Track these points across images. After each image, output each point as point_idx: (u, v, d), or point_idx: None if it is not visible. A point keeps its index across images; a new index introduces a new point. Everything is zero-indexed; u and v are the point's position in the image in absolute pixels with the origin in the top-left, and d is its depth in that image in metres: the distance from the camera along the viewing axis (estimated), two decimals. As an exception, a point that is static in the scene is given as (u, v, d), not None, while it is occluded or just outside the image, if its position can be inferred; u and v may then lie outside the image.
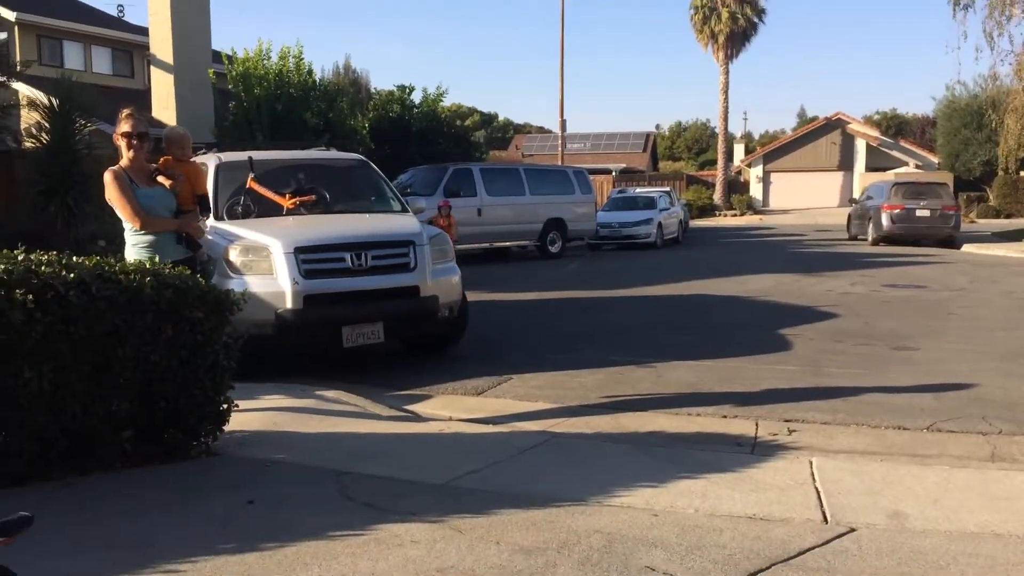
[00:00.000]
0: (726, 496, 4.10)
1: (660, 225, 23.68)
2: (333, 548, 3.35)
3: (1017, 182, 36.19)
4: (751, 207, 45.12)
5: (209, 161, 8.50)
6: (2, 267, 3.96)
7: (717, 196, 44.60)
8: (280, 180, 8.38)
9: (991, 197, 37.92)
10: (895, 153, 46.44)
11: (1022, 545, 3.49)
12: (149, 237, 5.27)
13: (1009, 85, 26.33)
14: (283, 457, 4.71)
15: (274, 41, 35.59)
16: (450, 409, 6.35)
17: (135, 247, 5.25)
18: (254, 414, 5.53)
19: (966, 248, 21.56)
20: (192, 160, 6.20)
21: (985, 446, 5.31)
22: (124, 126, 5.22)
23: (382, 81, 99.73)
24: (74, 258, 4.38)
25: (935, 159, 43.61)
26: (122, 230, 5.34)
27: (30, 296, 3.91)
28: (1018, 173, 33.42)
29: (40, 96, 16.34)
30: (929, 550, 3.42)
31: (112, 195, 5.18)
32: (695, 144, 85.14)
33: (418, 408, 6.41)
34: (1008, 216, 35.55)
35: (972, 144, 38.22)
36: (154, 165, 5.57)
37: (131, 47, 24.96)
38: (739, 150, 53.04)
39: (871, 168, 44.00)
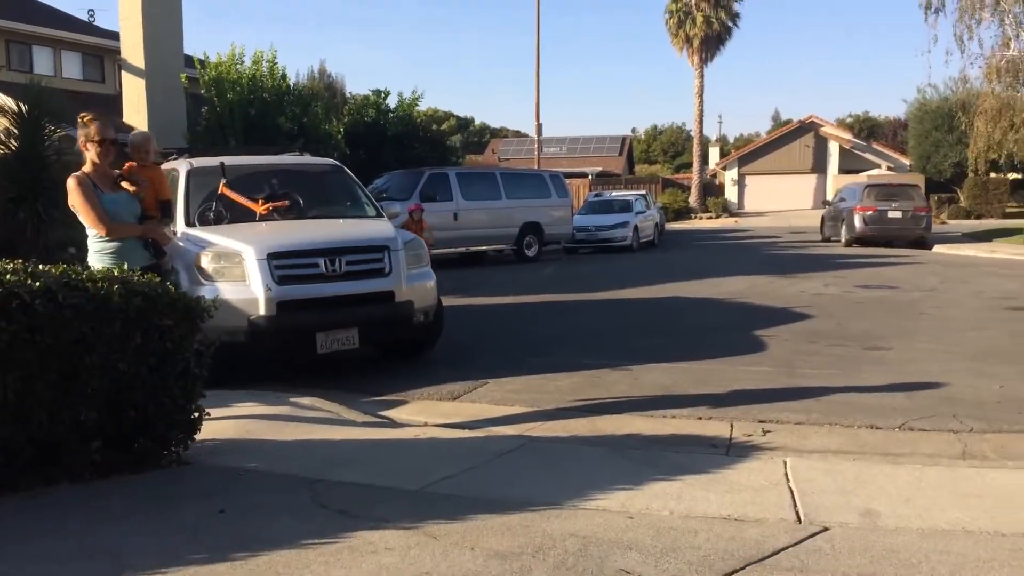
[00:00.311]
0: (701, 497, 4.10)
1: (636, 228, 23.78)
2: (306, 557, 3.31)
3: (987, 183, 36.71)
4: (726, 210, 45.44)
5: (180, 166, 8.43)
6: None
7: (693, 199, 44.87)
8: (253, 185, 8.31)
9: (962, 198, 38.44)
10: (867, 155, 46.96)
11: (993, 542, 3.52)
12: (114, 243, 5.21)
13: (979, 88, 26.70)
14: (256, 465, 4.66)
15: (247, 45, 35.46)
16: (425, 414, 6.32)
17: (99, 253, 5.19)
18: (227, 422, 5.47)
19: (937, 249, 21.83)
20: (156, 165, 6.14)
21: (956, 444, 5.37)
22: (90, 130, 5.16)
23: (357, 86, 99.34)
24: (40, 266, 4.31)
25: (907, 161, 44.13)
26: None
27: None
28: (988, 175, 33.92)
29: (8, 102, 16.09)
30: (901, 548, 3.44)
31: (76, 201, 5.12)
32: (671, 147, 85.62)
33: (393, 414, 6.37)
34: (978, 217, 36.04)
35: (943, 146, 38.70)
36: (117, 171, 5.51)
37: (102, 52, 24.74)
38: (714, 153, 53.40)
39: (844, 170, 44.45)
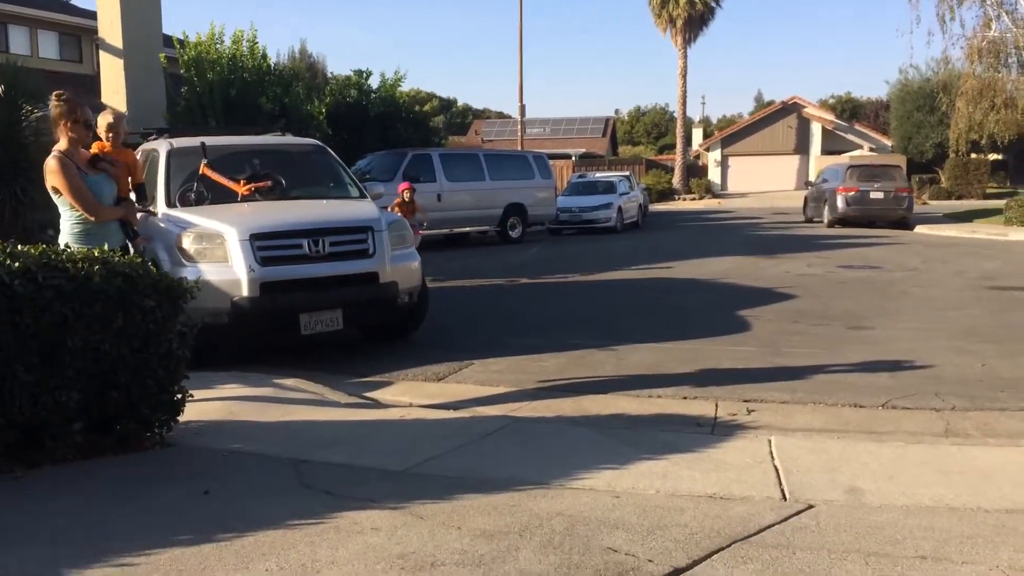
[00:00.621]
0: (687, 476, 4.12)
1: (620, 209, 23.77)
2: (291, 537, 3.30)
3: (968, 164, 36.92)
4: (710, 191, 45.49)
5: (160, 147, 8.33)
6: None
7: (676, 180, 44.88)
8: (234, 166, 8.23)
9: (943, 179, 38.67)
10: (850, 136, 47.09)
11: (976, 518, 3.56)
12: (92, 226, 5.14)
13: (960, 68, 26.85)
14: (240, 446, 4.63)
15: (227, 25, 35.02)
16: (411, 395, 6.30)
17: (78, 235, 5.13)
18: (210, 403, 5.44)
19: (919, 229, 21.98)
20: (128, 147, 6.07)
21: (939, 422, 5.41)
22: (65, 109, 5.07)
23: (339, 66, 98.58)
24: (20, 247, 4.24)
25: (888, 142, 44.30)
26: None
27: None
28: (969, 155, 34.09)
29: (-17, 82, 15.83)
30: (886, 525, 3.47)
31: (60, 183, 5.03)
32: (654, 128, 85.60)
33: (378, 395, 6.35)
34: (959, 197, 36.30)
35: (924, 127, 38.89)
36: (90, 152, 5.43)
37: (79, 31, 24.38)
38: (697, 134, 53.43)
39: (827, 151, 44.56)
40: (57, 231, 5.31)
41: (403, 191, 12.03)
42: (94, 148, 5.54)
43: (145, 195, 7.13)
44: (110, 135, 5.64)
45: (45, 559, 3.14)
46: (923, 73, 37.90)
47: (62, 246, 4.86)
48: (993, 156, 37.61)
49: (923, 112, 38.32)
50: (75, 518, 3.56)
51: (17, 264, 4.04)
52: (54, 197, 5.16)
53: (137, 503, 3.75)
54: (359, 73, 25.24)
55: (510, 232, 20.66)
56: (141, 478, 4.11)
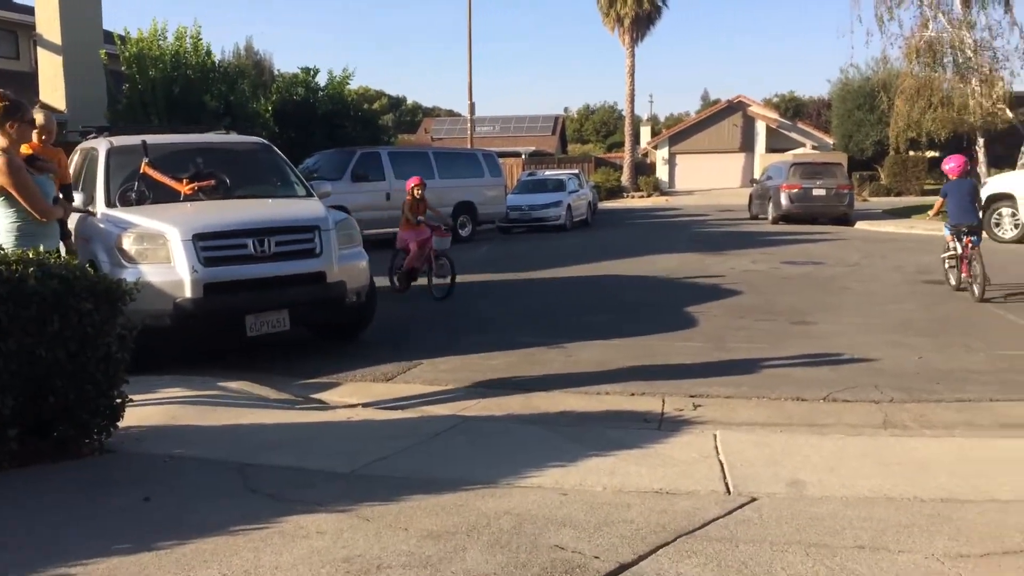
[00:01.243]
0: (634, 472, 4.16)
1: (569, 207, 23.87)
2: (235, 543, 3.24)
3: (906, 161, 37.85)
4: (657, 188, 45.93)
5: (100, 145, 8.15)
6: None
7: (625, 178, 45.23)
8: (177, 165, 8.08)
9: (882, 176, 39.58)
10: (793, 135, 47.93)
11: (912, 507, 3.65)
12: (35, 226, 5.01)
13: (899, 68, 27.53)
14: (182, 451, 4.55)
15: (170, 21, 34.34)
16: (359, 396, 6.25)
17: (17, 235, 4.98)
18: (152, 408, 5.33)
19: (859, 225, 22.47)
20: (58, 147, 5.94)
21: (878, 414, 5.55)
22: (12, 108, 4.93)
23: (286, 64, 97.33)
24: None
25: (830, 140, 45.18)
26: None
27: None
28: (907, 153, 34.98)
29: (-86, 79, 15.30)
30: (826, 516, 3.54)
31: (10, 182, 4.87)
32: (603, 127, 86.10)
33: (326, 396, 6.29)
34: (898, 194, 37.18)
35: (864, 125, 39.76)
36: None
37: (16, 27, 23.56)
38: (646, 132, 53.88)
39: (771, 149, 45.28)
40: None
41: (412, 187, 11.12)
42: (24, 148, 5.40)
43: (71, 196, 6.98)
44: (43, 136, 5.50)
45: (-22, 571, 3.05)
46: (863, 72, 38.81)
47: (6, 247, 4.73)
48: (931, 153, 38.58)
49: (863, 111, 39.19)
50: (12, 527, 3.45)
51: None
52: None
53: (76, 511, 3.65)
54: (306, 71, 24.95)
55: (460, 231, 20.56)
56: (80, 485, 4.01)
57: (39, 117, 5.69)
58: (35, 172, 5.10)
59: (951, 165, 10.43)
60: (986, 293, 9.67)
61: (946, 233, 10.53)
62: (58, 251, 5.02)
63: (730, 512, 3.61)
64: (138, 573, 2.99)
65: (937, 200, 10.68)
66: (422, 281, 11.13)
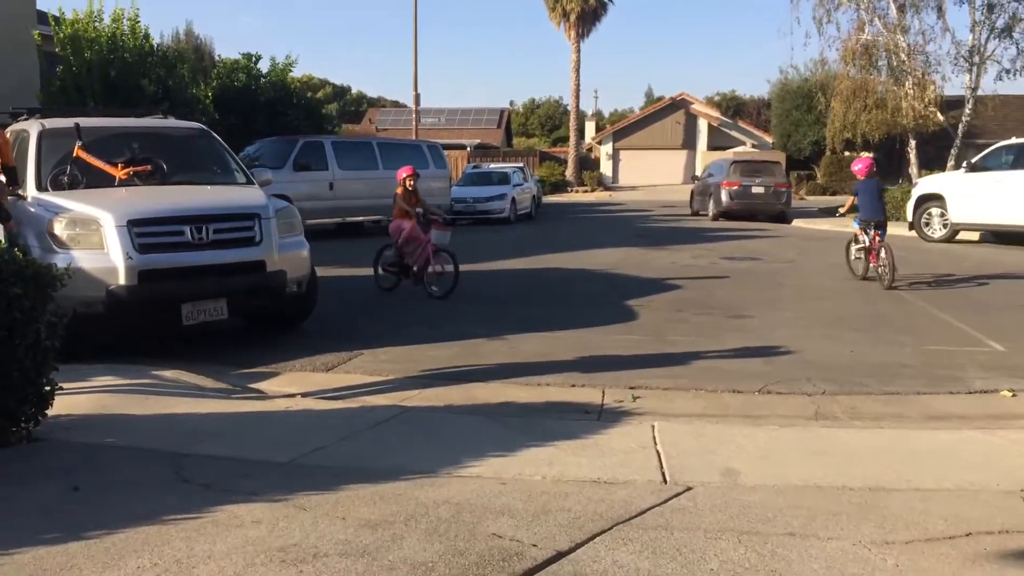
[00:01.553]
0: (572, 462, 4.20)
1: (514, 200, 23.92)
2: (167, 532, 3.19)
3: (842, 161, 38.71)
4: (601, 183, 46.32)
5: (31, 128, 7.90)
6: None
7: (569, 173, 45.50)
8: (112, 149, 7.87)
9: (819, 175, 40.54)
10: (734, 133, 48.77)
11: (841, 496, 3.76)
12: None
13: (836, 70, 28.21)
14: (113, 441, 4.44)
15: (106, 3, 33.36)
16: (298, 386, 6.17)
17: None
18: (82, 396, 5.19)
19: (796, 223, 22.98)
20: None
21: (810, 406, 5.69)
22: None
23: (228, 50, 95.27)
24: None
25: (770, 139, 46.10)
26: None
27: None
28: (843, 153, 35.85)
29: None
30: (758, 504, 3.63)
31: None
32: (548, 121, 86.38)
33: (264, 386, 6.20)
34: (833, 193, 38.10)
35: (802, 125, 40.64)
36: None
37: (-61, 2, 22.57)
38: (590, 128, 54.23)
39: (712, 147, 46.02)
40: None
41: (404, 177, 10.49)
42: None
43: (16, 178, 6.74)
44: None
45: None
46: (802, 73, 39.56)
47: None
48: (865, 154, 39.71)
49: (801, 111, 40.04)
50: (-71, 519, 3.34)
51: None
52: None
53: (2, 500, 3.55)
54: (248, 57, 24.50)
55: (403, 222, 20.44)
56: (7, 474, 3.89)
57: None
58: None
59: (859, 167, 11.39)
60: (894, 282, 10.53)
61: (855, 227, 11.45)
62: None
63: (666, 501, 3.67)
64: (66, 563, 2.93)
65: (848, 199, 11.65)
66: (357, 270, 11.01)
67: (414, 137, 31.55)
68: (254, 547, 3.07)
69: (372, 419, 4.98)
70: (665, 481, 3.96)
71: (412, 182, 10.53)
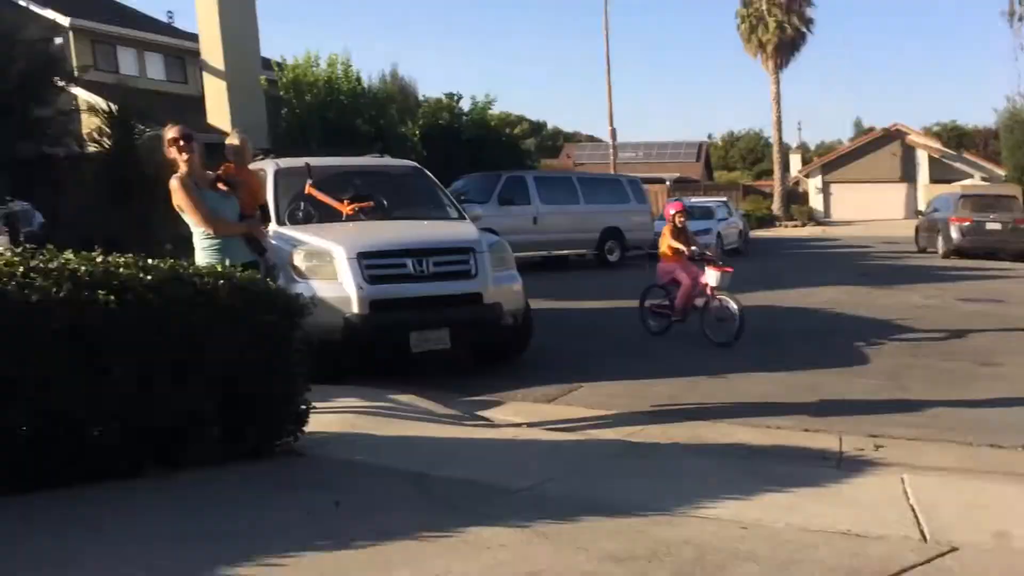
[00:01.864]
0: (815, 511, 3.95)
1: (719, 235, 23.27)
2: (423, 549, 3.32)
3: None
4: (812, 218, 44.34)
5: (268, 167, 8.57)
6: (84, 268, 4.00)
7: (776, 207, 43.93)
8: (337, 186, 8.36)
9: (1063, 211, 36.69)
10: (958, 165, 45.30)
11: None
12: (219, 241, 5.32)
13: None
14: (363, 458, 4.71)
15: (321, 50, 35.98)
16: (522, 415, 6.27)
17: (206, 250, 5.31)
18: (331, 416, 5.51)
19: (1044, 263, 20.77)
20: (252, 170, 6.26)
21: (1086, 465, 5.05)
22: (170, 133, 5.28)
23: (430, 89, 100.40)
24: (150, 261, 4.41)
25: (1001, 172, 42.37)
26: (189, 235, 5.41)
27: (112, 297, 3.93)
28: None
29: (99, 101, 16.42)
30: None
31: (182, 201, 5.24)
32: (749, 154, 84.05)
33: (489, 414, 6.35)
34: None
35: (1038, 156, 36.95)
36: (213, 173, 5.63)
37: (183, 53, 24.61)
38: (795, 160, 52.17)
39: (935, 180, 42.96)
40: (174, 245, 5.51)
41: (674, 213, 9.55)
42: (220, 170, 5.75)
43: (269, 216, 7.34)
44: (236, 158, 5.87)
45: (201, 556, 3.23)
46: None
47: (198, 262, 5.06)
48: None
49: (1036, 141, 36.44)
50: (221, 519, 3.68)
51: (150, 277, 4.19)
52: (183, 216, 5.37)
53: (273, 508, 3.85)
54: (450, 96, 25.54)
55: (608, 256, 20.46)
56: (275, 484, 4.23)
57: (234, 140, 6.07)
58: (221, 191, 5.41)
59: None
60: None
61: None
62: (253, 265, 5.29)
63: (929, 560, 3.36)
64: (338, 570, 3.11)
65: None
66: (569, 303, 11.03)
67: (612, 171, 31.64)
68: (504, 570, 3.13)
69: (598, 453, 4.98)
70: (924, 539, 3.62)
71: (682, 219, 9.55)
